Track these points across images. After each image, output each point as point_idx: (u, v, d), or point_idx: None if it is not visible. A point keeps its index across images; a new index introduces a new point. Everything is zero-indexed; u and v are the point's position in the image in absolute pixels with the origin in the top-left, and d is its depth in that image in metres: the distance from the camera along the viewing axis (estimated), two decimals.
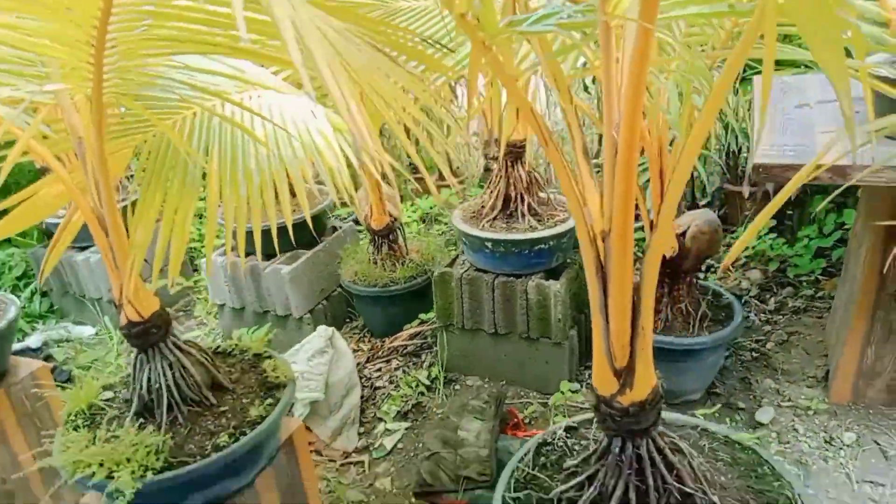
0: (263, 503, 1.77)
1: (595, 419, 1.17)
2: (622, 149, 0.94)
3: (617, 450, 1.15)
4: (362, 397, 2.90)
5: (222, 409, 1.70)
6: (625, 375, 1.08)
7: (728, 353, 2.76)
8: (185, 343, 1.73)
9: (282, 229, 3.19)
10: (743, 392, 2.56)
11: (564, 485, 1.25)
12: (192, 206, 1.64)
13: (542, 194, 2.77)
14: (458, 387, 2.91)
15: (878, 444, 2.23)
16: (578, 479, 1.23)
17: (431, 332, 3.08)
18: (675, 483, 1.13)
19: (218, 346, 1.99)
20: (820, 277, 3.17)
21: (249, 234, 1.62)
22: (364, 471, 2.54)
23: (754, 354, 2.75)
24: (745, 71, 3.07)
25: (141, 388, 1.63)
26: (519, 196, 2.67)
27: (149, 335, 1.62)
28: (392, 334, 3.18)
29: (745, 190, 3.54)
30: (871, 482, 2.12)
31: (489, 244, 2.61)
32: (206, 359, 1.75)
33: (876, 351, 2.30)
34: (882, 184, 1.70)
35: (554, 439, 1.41)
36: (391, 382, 2.97)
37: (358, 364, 3.06)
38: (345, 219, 3.86)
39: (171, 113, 1.64)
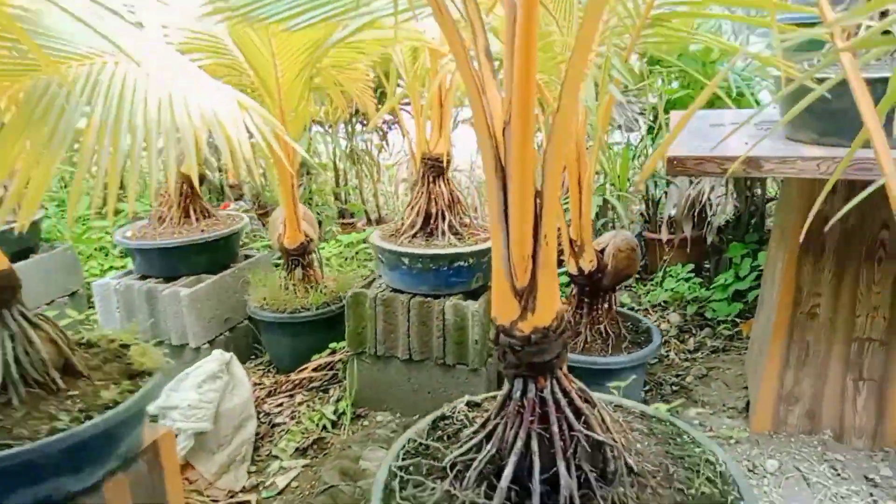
0: None
1: (498, 357, 1.02)
2: (521, 28, 0.86)
3: (518, 393, 1.00)
4: (258, 434, 2.60)
5: (71, 393, 1.44)
6: (526, 297, 0.95)
7: (648, 387, 2.66)
8: (37, 316, 1.49)
9: (187, 249, 2.97)
10: None
11: (459, 450, 1.07)
12: (55, 160, 1.45)
13: (464, 217, 2.69)
14: (366, 422, 2.66)
15: (800, 470, 2.14)
16: (476, 439, 1.06)
17: (342, 362, 2.86)
18: (583, 430, 0.97)
19: (83, 337, 1.73)
20: (737, 319, 3.17)
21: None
22: None
23: (674, 388, 2.67)
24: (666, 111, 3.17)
25: None
26: (440, 213, 2.58)
27: None
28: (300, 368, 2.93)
29: (664, 236, 3.59)
30: None
31: (406, 260, 2.47)
32: (61, 338, 1.50)
33: (794, 375, 2.26)
34: (793, 174, 1.70)
35: (454, 412, 1.23)
36: (292, 418, 2.69)
37: (257, 399, 2.77)
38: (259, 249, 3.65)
39: (62, 59, 1.48)
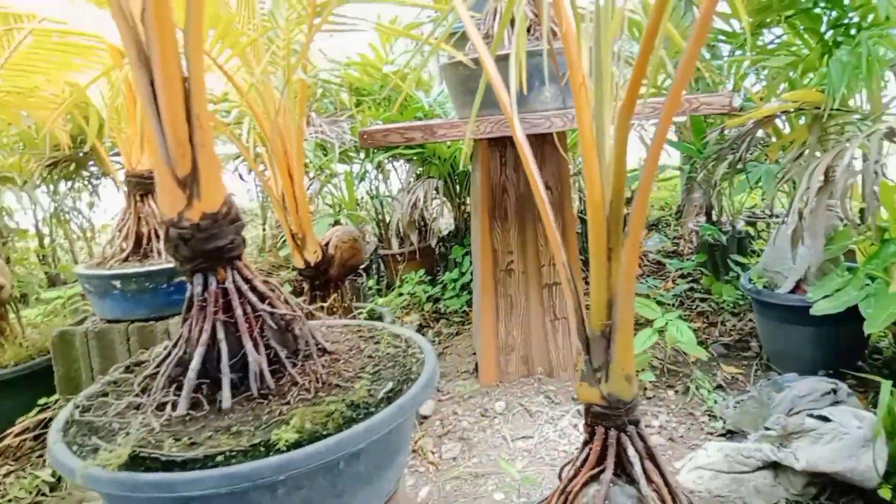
0: None
1: (172, 256, 1.02)
2: None
3: (200, 288, 1.01)
4: None
5: None
6: (190, 184, 0.98)
7: None
8: None
9: None
10: None
11: (149, 368, 1.04)
12: None
13: None
14: None
15: (523, 405, 2.42)
16: (165, 352, 1.04)
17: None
18: (267, 308, 1.02)
19: None
20: (467, 308, 3.51)
21: None
22: None
23: None
24: None
25: None
26: (153, 232, 2.45)
27: None
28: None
29: (396, 250, 3.85)
30: (523, 437, 2.26)
31: (118, 283, 2.29)
32: None
33: (505, 326, 2.57)
34: (459, 136, 2.00)
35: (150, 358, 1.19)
36: None
37: None
38: None
39: None
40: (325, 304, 2.38)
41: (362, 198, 4.09)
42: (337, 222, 3.72)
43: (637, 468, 1.14)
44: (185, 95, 0.95)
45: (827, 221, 2.27)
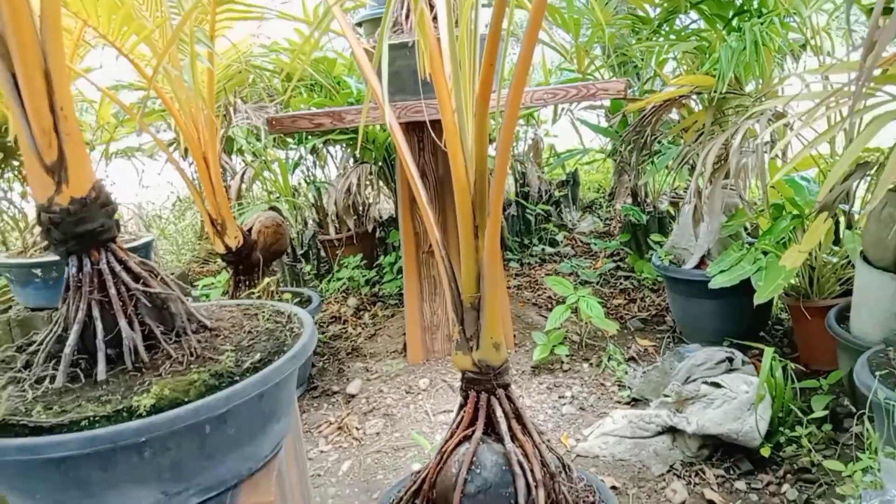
0: None
1: (44, 239, 1.06)
2: None
3: (75, 269, 1.06)
4: None
5: None
6: (58, 171, 1.02)
7: (326, 355, 2.87)
8: None
9: None
10: (338, 378, 2.66)
11: (30, 348, 1.09)
12: None
13: None
14: None
15: (446, 381, 2.52)
16: (43, 332, 1.08)
17: None
18: (140, 287, 1.08)
19: None
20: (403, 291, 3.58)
21: None
22: None
23: (348, 351, 2.91)
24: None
25: None
26: None
27: None
28: None
29: (333, 235, 3.90)
30: (444, 411, 2.35)
31: (39, 271, 2.30)
32: None
33: (430, 306, 2.66)
34: (372, 121, 2.06)
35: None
36: None
37: None
38: None
39: None
40: (255, 291, 2.42)
41: (299, 183, 4.12)
42: (272, 208, 3.75)
43: (503, 427, 1.23)
44: (47, 87, 0.99)
45: (724, 200, 2.41)
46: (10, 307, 2.49)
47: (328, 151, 4.05)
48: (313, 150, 3.88)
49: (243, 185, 3.79)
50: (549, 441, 1.33)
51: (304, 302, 2.67)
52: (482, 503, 1.19)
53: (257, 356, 1.06)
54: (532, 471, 1.20)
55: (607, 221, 4.42)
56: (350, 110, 2.07)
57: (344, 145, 3.84)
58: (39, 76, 0.99)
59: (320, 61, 3.40)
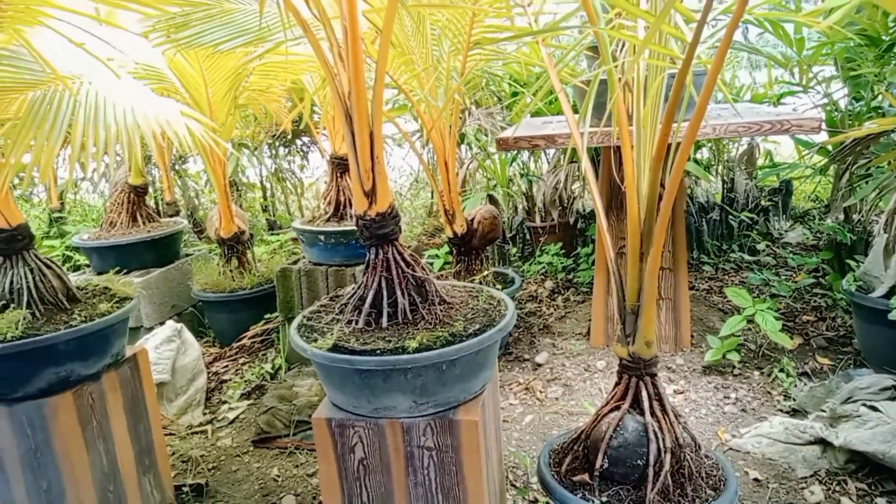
0: (109, 401, 2.06)
1: (360, 235, 1.72)
2: (349, 37, 1.58)
3: (373, 256, 1.70)
4: (209, 388, 3.17)
5: (76, 310, 2.03)
6: (370, 195, 1.65)
7: (521, 328, 3.41)
8: (46, 258, 2.08)
9: (138, 246, 3.54)
10: (529, 348, 3.19)
11: (342, 299, 1.76)
12: (54, 147, 2.07)
13: None
14: (297, 372, 3.27)
15: None
16: (352, 291, 1.75)
17: (275, 330, 3.47)
18: (410, 272, 1.69)
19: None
20: None
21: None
22: (207, 436, 2.80)
23: (540, 327, 3.42)
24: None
25: (2, 288, 1.95)
26: (347, 201, 3.27)
27: (14, 242, 1.97)
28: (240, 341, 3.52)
29: (538, 224, 4.40)
30: None
31: (322, 237, 3.15)
32: (64, 275, 2.10)
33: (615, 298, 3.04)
34: (563, 146, 2.50)
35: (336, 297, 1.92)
36: (237, 374, 3.28)
37: (206, 364, 3.34)
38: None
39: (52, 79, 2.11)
40: (476, 278, 3.04)
41: (514, 174, 4.68)
42: (490, 196, 4.36)
43: (646, 405, 1.65)
44: (371, 143, 1.61)
45: None
46: (298, 260, 3.39)
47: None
48: None
49: (468, 174, 4.46)
50: (685, 423, 1.72)
51: (507, 282, 3.23)
52: (622, 455, 1.63)
53: (477, 325, 1.61)
54: (664, 440, 1.61)
55: (818, 234, 4.32)
56: (561, 135, 2.53)
57: None
58: (367, 136, 1.61)
59: (538, 75, 3.87)
